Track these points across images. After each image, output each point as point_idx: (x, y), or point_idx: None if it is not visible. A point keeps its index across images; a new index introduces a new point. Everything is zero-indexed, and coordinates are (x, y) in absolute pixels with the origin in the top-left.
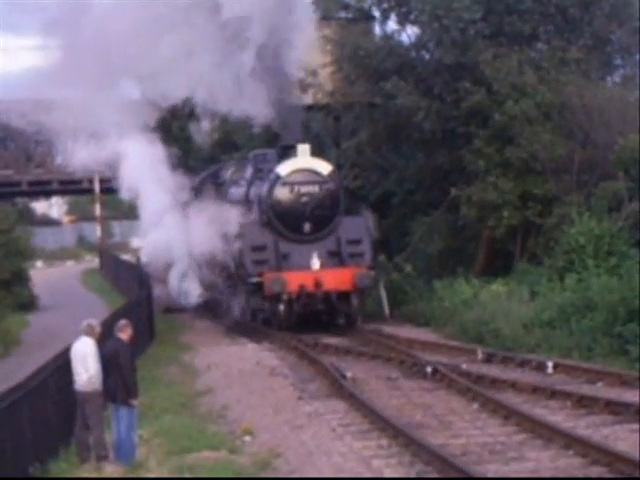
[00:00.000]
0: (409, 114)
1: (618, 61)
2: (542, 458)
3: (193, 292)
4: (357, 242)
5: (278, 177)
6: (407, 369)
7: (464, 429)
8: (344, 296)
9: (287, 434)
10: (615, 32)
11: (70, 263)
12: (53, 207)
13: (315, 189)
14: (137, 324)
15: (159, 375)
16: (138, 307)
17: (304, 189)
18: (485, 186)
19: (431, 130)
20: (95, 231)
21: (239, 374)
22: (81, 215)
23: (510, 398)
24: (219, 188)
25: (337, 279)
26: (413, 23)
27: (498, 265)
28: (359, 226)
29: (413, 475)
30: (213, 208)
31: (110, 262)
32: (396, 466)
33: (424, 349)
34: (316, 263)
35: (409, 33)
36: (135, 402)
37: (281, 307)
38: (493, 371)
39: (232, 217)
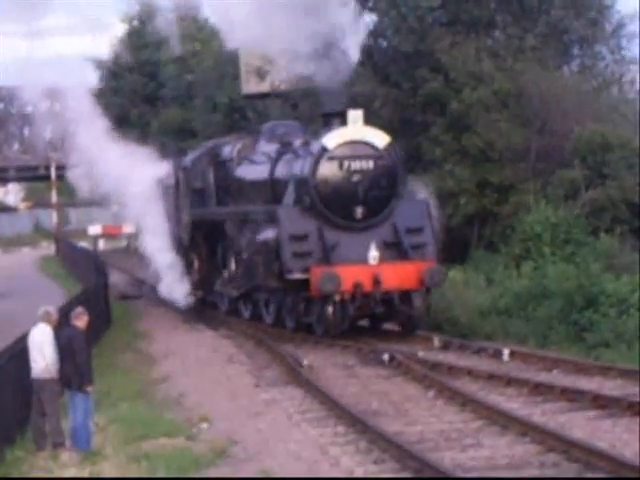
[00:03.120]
0: (366, 101)
1: (575, 51)
2: (498, 445)
3: (179, 291)
4: (418, 231)
5: (324, 150)
6: (364, 357)
7: (421, 416)
8: (404, 296)
9: (244, 421)
10: (572, 22)
11: (26, 250)
12: (9, 194)
13: (369, 165)
14: (93, 311)
15: (116, 362)
16: (94, 294)
17: (356, 165)
18: (442, 174)
19: (388, 118)
20: (51, 218)
21: (196, 361)
22: (37, 202)
23: (466, 385)
24: (219, 168)
25: (400, 276)
26: (371, 10)
27: (455, 253)
28: (420, 212)
29: (370, 462)
30: (216, 191)
31: (66, 249)
32: (353, 453)
33: (381, 337)
34: (374, 256)
35: (367, 20)
36: (90, 389)
37: (330, 310)
38: (449, 358)
39: (249, 200)
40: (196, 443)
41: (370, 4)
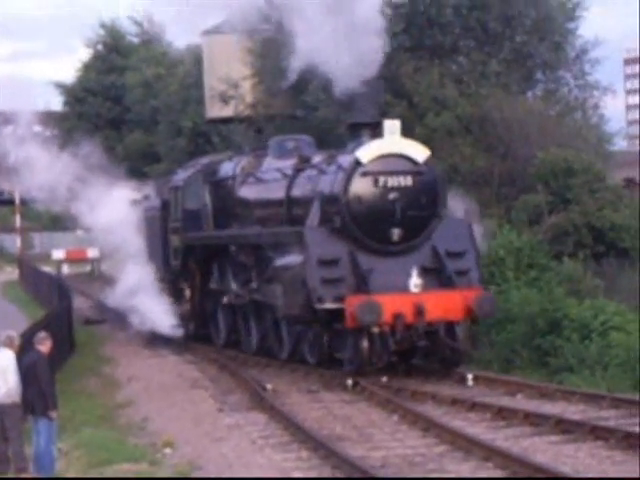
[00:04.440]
0: (330, 126)
1: (539, 76)
2: (462, 470)
3: (166, 323)
4: (460, 255)
5: (357, 165)
6: (328, 381)
7: (384, 441)
8: (448, 328)
9: (207, 446)
10: (536, 47)
11: None
12: None
13: (407, 181)
14: (57, 336)
15: (79, 387)
16: (58, 319)
17: (393, 181)
18: None
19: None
20: (15, 242)
21: (160, 386)
22: (1, 226)
23: (430, 410)
24: (217, 187)
25: (445, 305)
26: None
27: None
28: (461, 233)
29: None
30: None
31: (30, 273)
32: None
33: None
34: (416, 283)
35: None
36: (54, 414)
37: (364, 344)
38: (413, 383)
39: (258, 222)
40: (160, 468)
41: None
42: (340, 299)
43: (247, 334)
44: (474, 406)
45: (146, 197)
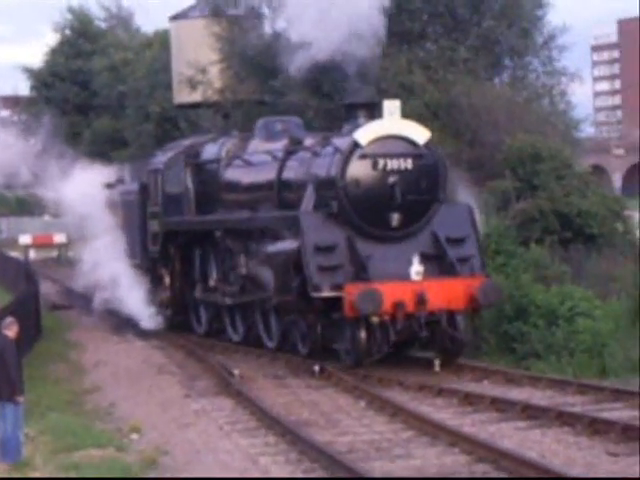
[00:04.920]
0: (298, 112)
1: (507, 62)
2: (428, 455)
3: (144, 311)
4: (460, 241)
5: (355, 147)
6: (295, 367)
7: (351, 427)
8: (449, 317)
9: (174, 432)
10: (504, 33)
11: None
12: None
13: (407, 164)
14: (24, 321)
15: (46, 372)
16: (25, 304)
17: (392, 164)
18: None
19: (321, 129)
20: None
21: (127, 372)
22: None
23: (397, 396)
24: (200, 170)
25: (447, 294)
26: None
27: None
28: (462, 218)
29: (300, 472)
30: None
31: None
32: (283, 464)
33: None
34: (418, 270)
35: (300, 31)
36: (20, 399)
37: (362, 334)
38: (380, 369)
39: (246, 206)
40: (126, 453)
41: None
42: (338, 287)
43: (232, 323)
44: (441, 392)
45: (120, 181)
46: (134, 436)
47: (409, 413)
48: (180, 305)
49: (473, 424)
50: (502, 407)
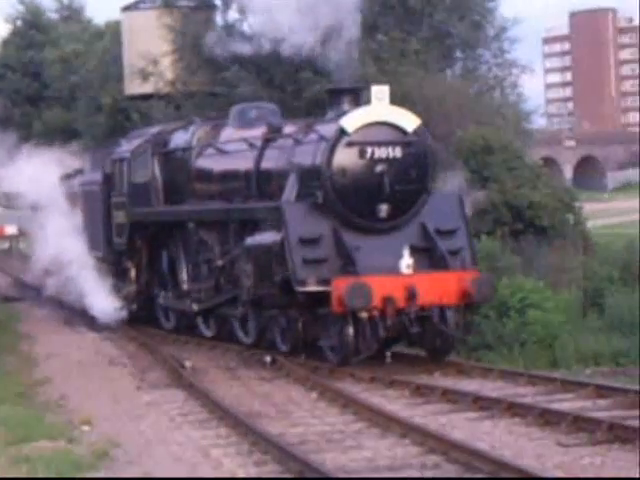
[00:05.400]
0: (250, 104)
1: (458, 54)
2: (379, 447)
3: (107, 305)
4: (450, 233)
5: (342, 134)
6: (246, 358)
7: (302, 418)
8: (439, 313)
9: (126, 424)
10: (455, 25)
11: None
12: None
13: (396, 152)
14: None
15: None
16: None
17: (381, 152)
18: None
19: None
20: None
21: (78, 363)
22: None
23: (348, 387)
24: (168, 158)
25: (439, 288)
26: (255, 13)
27: None
28: (451, 209)
29: (252, 464)
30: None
31: None
32: (235, 455)
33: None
34: (408, 264)
35: (250, 22)
36: None
37: (350, 331)
38: (332, 361)
39: (220, 196)
40: (77, 446)
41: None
42: (324, 281)
43: (204, 318)
44: (392, 383)
45: (79, 171)
46: (85, 428)
47: (360, 404)
48: (147, 299)
49: (424, 415)
50: (453, 398)
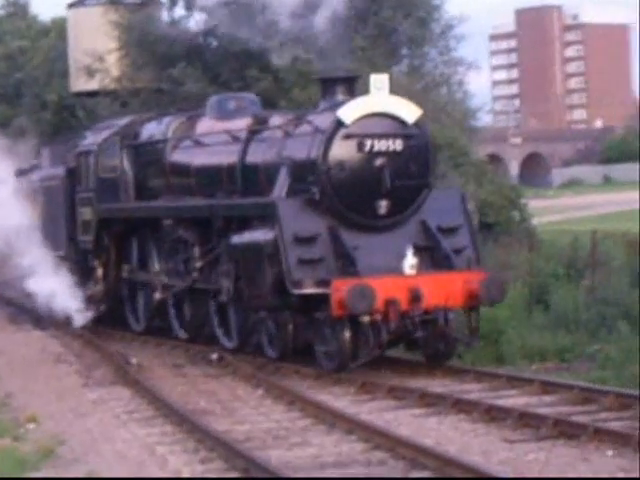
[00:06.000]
0: (197, 101)
1: (404, 51)
2: (325, 443)
3: (71, 306)
4: (452, 231)
5: (339, 125)
6: (193, 356)
7: (248, 415)
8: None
9: (71, 421)
10: (401, 23)
11: None
12: None
13: (397, 146)
14: None
15: None
16: None
17: (380, 145)
18: None
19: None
20: None
21: (23, 361)
22: None
23: (294, 384)
24: (140, 152)
25: (444, 290)
26: (201, 9)
27: None
28: (453, 205)
29: (197, 462)
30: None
31: None
32: (180, 453)
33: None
34: (412, 264)
35: (197, 19)
36: None
37: (346, 335)
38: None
39: (199, 192)
40: (23, 443)
41: (199, 3)
42: (323, 283)
43: (180, 319)
44: (338, 380)
45: (36, 166)
46: (31, 426)
47: (306, 401)
48: (114, 300)
49: (370, 412)
50: (399, 395)
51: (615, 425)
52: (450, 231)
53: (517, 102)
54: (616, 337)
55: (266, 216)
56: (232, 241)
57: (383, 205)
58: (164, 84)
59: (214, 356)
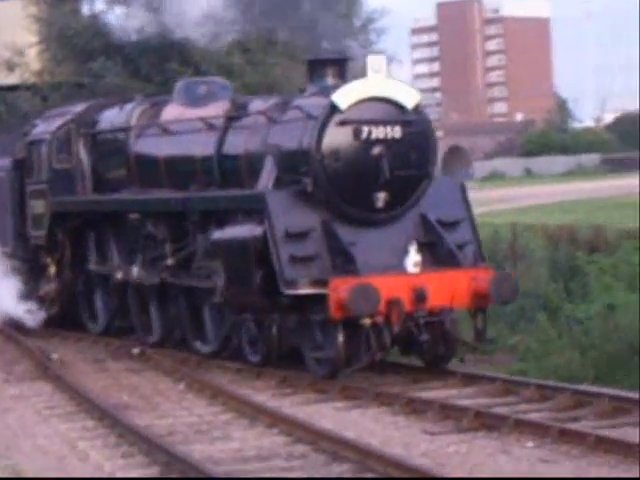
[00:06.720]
0: (117, 94)
1: (325, 45)
2: (247, 437)
3: (20, 306)
4: (454, 225)
5: (333, 111)
6: (114, 350)
7: (171, 409)
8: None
9: None
10: (322, 16)
11: None
12: None
13: (395, 133)
14: None
15: None
16: None
17: (378, 132)
18: None
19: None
20: None
21: None
22: None
23: (216, 379)
24: (98, 140)
25: (450, 289)
26: (121, 3)
27: None
28: (453, 197)
29: (118, 456)
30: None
31: None
32: (101, 448)
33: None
34: (415, 261)
35: (117, 13)
36: None
37: (340, 338)
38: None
39: (170, 184)
40: None
41: None
42: (319, 282)
43: (145, 321)
44: (260, 375)
45: None
46: None
47: (228, 395)
48: (69, 299)
49: (292, 405)
50: (321, 388)
51: (535, 416)
52: (451, 225)
53: (438, 95)
54: (535, 328)
55: (253, 210)
56: (214, 237)
57: (381, 197)
58: (84, 78)
59: (136, 350)
